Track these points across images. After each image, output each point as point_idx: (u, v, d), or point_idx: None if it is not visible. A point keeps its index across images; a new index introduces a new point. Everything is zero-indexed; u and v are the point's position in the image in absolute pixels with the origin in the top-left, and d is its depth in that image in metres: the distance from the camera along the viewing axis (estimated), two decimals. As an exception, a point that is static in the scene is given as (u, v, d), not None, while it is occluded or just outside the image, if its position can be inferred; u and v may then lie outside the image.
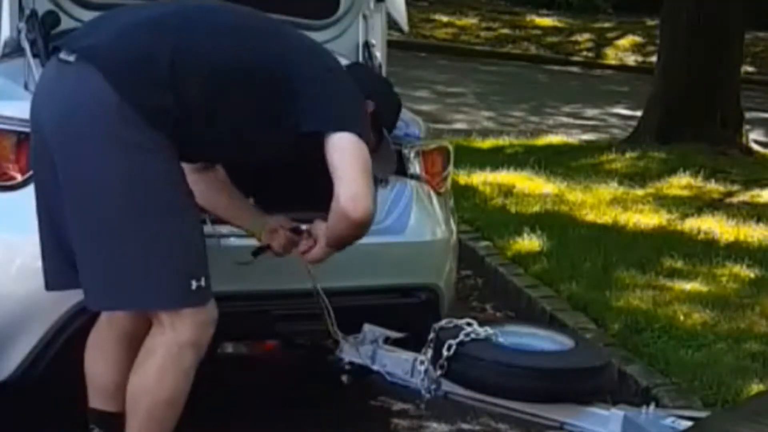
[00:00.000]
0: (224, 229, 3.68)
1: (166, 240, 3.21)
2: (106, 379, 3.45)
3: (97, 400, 3.46)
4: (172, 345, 3.22)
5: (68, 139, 3.19)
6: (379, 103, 3.52)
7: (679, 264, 6.34)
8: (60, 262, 3.31)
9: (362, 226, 3.29)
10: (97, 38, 3.27)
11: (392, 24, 4.75)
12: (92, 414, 3.47)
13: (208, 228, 3.54)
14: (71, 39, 3.34)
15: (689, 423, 3.21)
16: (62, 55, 3.25)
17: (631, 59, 17.64)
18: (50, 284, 3.38)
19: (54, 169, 3.22)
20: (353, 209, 3.24)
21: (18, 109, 3.55)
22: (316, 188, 3.95)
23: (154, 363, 3.23)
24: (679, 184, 8.58)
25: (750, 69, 16.27)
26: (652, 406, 3.36)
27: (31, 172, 3.51)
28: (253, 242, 3.65)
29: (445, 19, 18.26)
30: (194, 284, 3.22)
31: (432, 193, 4.23)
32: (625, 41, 18.34)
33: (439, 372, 3.49)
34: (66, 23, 3.85)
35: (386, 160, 3.65)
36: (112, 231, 3.18)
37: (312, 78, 3.30)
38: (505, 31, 18.24)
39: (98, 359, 3.46)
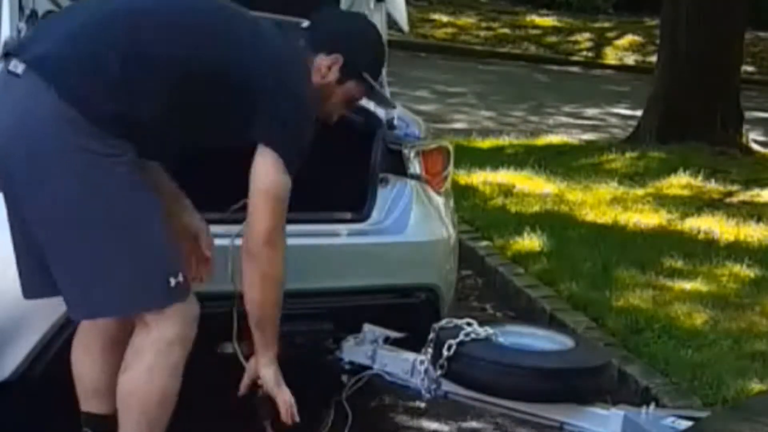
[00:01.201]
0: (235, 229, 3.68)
1: (138, 242, 3.19)
2: (96, 382, 3.44)
3: (88, 403, 3.45)
4: (159, 343, 3.21)
5: (25, 154, 3.13)
6: (349, 51, 3.44)
7: (679, 264, 6.34)
8: (35, 270, 3.29)
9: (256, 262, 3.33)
10: (46, 46, 3.20)
11: (392, 24, 4.75)
12: (85, 417, 3.46)
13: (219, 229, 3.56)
14: (21, 46, 3.29)
15: (689, 423, 3.21)
16: (11, 67, 3.18)
17: (631, 59, 17.65)
18: (27, 292, 3.36)
19: (12, 182, 3.19)
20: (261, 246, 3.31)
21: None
22: (313, 189, 3.96)
23: (143, 362, 3.22)
24: (679, 183, 8.59)
25: (750, 69, 16.27)
26: (652, 406, 3.36)
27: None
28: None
29: (444, 18, 18.26)
30: (172, 281, 3.21)
31: (432, 193, 4.22)
32: (625, 41, 18.34)
33: (439, 372, 3.49)
34: (66, 23, 3.84)
35: (380, 100, 3.70)
36: (81, 241, 3.16)
37: (263, 89, 3.25)
38: (505, 30, 18.24)
39: (86, 363, 3.45)
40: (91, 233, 3.15)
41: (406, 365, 3.64)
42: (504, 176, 8.29)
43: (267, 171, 3.25)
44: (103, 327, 3.43)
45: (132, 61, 3.17)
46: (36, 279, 3.31)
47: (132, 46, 3.19)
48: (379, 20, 4.56)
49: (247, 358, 3.58)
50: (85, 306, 3.24)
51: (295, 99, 3.29)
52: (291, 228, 3.77)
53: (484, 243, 6.76)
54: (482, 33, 18.02)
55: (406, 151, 4.13)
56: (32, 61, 3.16)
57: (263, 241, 3.30)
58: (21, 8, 3.80)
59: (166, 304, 3.21)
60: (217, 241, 3.59)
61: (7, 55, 3.26)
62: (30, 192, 3.16)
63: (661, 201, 7.94)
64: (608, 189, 8.17)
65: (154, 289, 3.20)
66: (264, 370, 3.48)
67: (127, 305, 3.24)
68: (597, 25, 19.24)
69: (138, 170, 3.23)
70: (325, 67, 3.43)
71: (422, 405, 4.39)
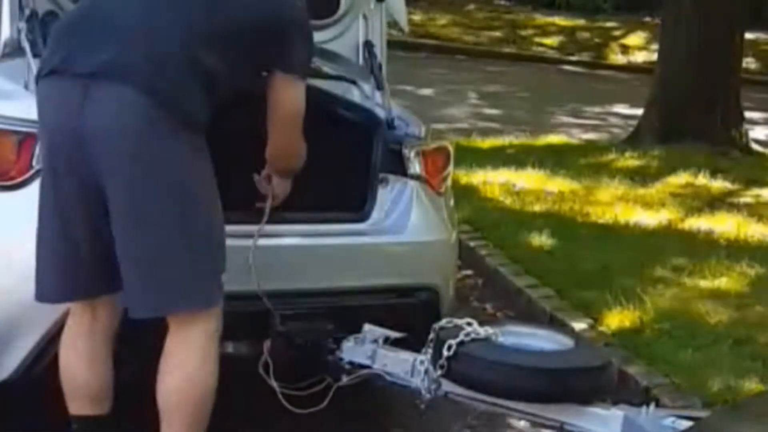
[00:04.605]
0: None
1: (208, 236, 3.31)
2: (97, 383, 3.45)
3: (83, 407, 3.45)
4: (205, 337, 3.29)
5: (123, 156, 3.22)
6: None
7: (680, 263, 6.34)
8: (91, 267, 3.33)
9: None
10: (104, 52, 3.24)
11: (392, 24, 4.75)
12: (80, 420, 3.46)
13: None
14: (71, 57, 3.29)
15: (689, 423, 3.21)
16: (75, 75, 3.24)
17: (631, 59, 17.64)
18: (67, 292, 3.40)
19: (84, 185, 3.25)
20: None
21: (18, 108, 3.55)
22: (313, 189, 3.96)
23: (197, 357, 3.28)
24: (680, 183, 8.59)
25: (751, 68, 16.26)
26: (652, 406, 3.37)
27: (31, 172, 3.52)
28: (262, 242, 3.66)
29: (445, 19, 18.26)
30: (222, 279, 3.34)
31: (432, 193, 4.22)
32: (625, 41, 18.33)
33: (439, 372, 3.49)
34: (66, 23, 3.84)
35: None
36: (171, 238, 3.24)
37: (294, 23, 3.50)
38: (506, 30, 18.24)
39: (79, 366, 3.44)
40: (178, 230, 3.24)
41: (406, 365, 3.65)
42: (504, 176, 8.29)
43: (297, 97, 3.52)
44: (105, 326, 3.45)
45: (191, 47, 3.27)
46: (88, 276, 3.35)
47: (186, 33, 3.29)
48: (379, 20, 4.57)
49: (246, 359, 3.60)
50: (157, 301, 3.27)
51: (303, 22, 3.56)
52: (291, 228, 3.79)
53: (484, 243, 6.75)
54: (483, 33, 18.01)
55: (406, 151, 4.13)
56: (102, 69, 3.21)
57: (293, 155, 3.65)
58: (21, 8, 3.80)
59: (219, 302, 3.32)
60: (233, 242, 3.60)
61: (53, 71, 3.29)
62: (129, 193, 3.22)
63: (662, 201, 7.94)
64: (608, 189, 8.17)
65: (216, 286, 3.32)
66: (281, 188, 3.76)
67: (194, 301, 3.29)
68: (597, 24, 19.24)
69: (212, 167, 3.35)
70: None
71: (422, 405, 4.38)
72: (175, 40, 3.27)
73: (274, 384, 3.72)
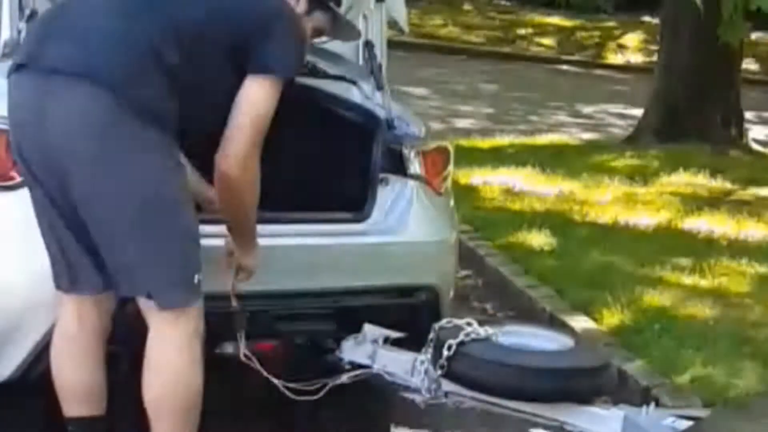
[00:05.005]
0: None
1: (181, 234, 3.26)
2: (86, 385, 3.44)
3: (76, 408, 3.44)
4: (183, 337, 3.26)
5: (83, 151, 3.18)
6: None
7: (680, 263, 6.34)
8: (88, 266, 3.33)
9: (230, 184, 3.32)
10: (72, 47, 3.22)
11: (392, 24, 4.75)
12: (74, 422, 3.45)
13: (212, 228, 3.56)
14: (40, 53, 3.25)
15: (689, 423, 3.21)
16: (39, 70, 3.21)
17: (632, 58, 17.65)
18: (85, 287, 3.39)
19: (63, 183, 3.22)
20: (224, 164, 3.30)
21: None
22: (313, 189, 3.96)
23: (179, 358, 3.25)
24: (680, 183, 8.59)
25: (751, 68, 16.26)
26: (652, 406, 3.37)
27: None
28: (262, 243, 3.66)
29: (444, 19, 18.27)
30: (196, 278, 3.27)
31: (432, 193, 4.22)
32: (626, 40, 18.35)
33: (439, 372, 3.49)
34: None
35: (348, 30, 3.72)
36: (144, 226, 3.20)
37: (269, 20, 3.34)
38: (505, 30, 18.25)
39: (72, 368, 3.43)
40: (150, 220, 3.20)
41: (406, 365, 3.65)
42: (504, 176, 8.30)
43: (259, 98, 3.27)
44: (92, 325, 3.44)
45: (160, 46, 3.21)
46: (92, 273, 3.34)
47: (156, 32, 3.23)
48: (379, 20, 4.57)
49: (245, 357, 3.60)
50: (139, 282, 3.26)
51: (283, 20, 3.36)
52: (291, 228, 3.79)
53: (484, 243, 6.75)
54: (483, 33, 18.02)
55: (406, 151, 4.13)
56: (66, 66, 3.17)
57: (240, 165, 3.28)
58: (21, 8, 3.80)
59: (193, 301, 3.27)
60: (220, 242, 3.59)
61: (22, 65, 3.27)
62: (93, 187, 3.19)
63: (662, 200, 7.94)
64: (608, 188, 8.17)
65: (186, 285, 3.26)
66: (246, 261, 3.54)
67: (173, 299, 3.25)
68: (598, 24, 19.25)
69: (180, 163, 3.31)
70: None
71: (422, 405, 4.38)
72: (141, 37, 3.21)
73: (261, 369, 3.68)
